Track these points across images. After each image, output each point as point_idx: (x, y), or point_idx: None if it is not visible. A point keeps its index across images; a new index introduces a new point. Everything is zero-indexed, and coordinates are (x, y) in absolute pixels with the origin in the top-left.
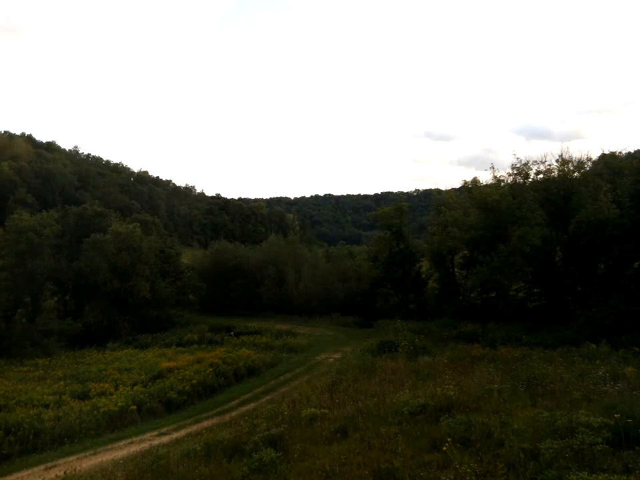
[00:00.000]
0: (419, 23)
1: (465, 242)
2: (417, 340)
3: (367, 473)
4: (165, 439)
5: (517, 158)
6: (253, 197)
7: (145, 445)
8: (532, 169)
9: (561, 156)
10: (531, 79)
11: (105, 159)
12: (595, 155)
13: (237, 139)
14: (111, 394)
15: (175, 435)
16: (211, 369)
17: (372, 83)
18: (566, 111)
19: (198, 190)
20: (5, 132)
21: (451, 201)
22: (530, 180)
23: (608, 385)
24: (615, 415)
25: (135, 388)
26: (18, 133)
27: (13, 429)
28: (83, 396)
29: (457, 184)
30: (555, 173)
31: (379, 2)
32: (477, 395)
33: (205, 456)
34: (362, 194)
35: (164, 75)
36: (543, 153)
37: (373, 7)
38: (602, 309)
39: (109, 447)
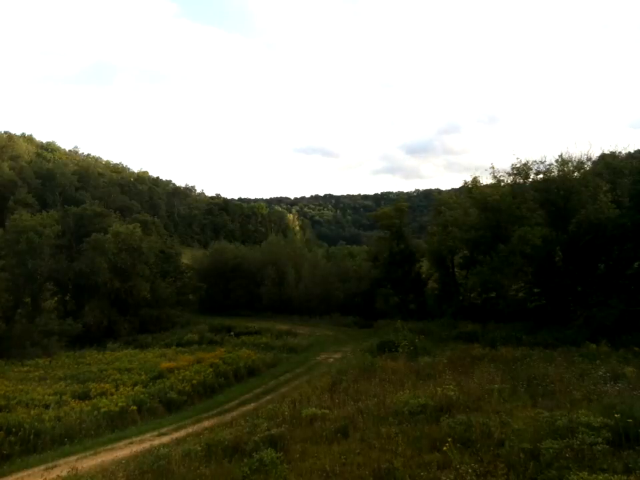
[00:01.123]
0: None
1: (465, 242)
2: (417, 340)
3: (367, 473)
4: (165, 439)
5: (517, 158)
6: (253, 197)
7: (146, 445)
8: (532, 169)
9: (560, 156)
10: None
11: (105, 159)
12: (594, 155)
13: (237, 139)
14: (112, 394)
15: (175, 435)
16: (211, 369)
17: (369, 84)
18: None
19: (198, 190)
20: (5, 132)
21: (450, 201)
22: (530, 180)
23: (608, 385)
24: (615, 415)
25: (135, 388)
26: (18, 133)
27: (13, 429)
28: (84, 396)
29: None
30: (555, 173)
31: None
32: (477, 395)
33: (206, 456)
34: (362, 194)
35: (164, 75)
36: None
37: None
38: (602, 309)
39: (110, 447)
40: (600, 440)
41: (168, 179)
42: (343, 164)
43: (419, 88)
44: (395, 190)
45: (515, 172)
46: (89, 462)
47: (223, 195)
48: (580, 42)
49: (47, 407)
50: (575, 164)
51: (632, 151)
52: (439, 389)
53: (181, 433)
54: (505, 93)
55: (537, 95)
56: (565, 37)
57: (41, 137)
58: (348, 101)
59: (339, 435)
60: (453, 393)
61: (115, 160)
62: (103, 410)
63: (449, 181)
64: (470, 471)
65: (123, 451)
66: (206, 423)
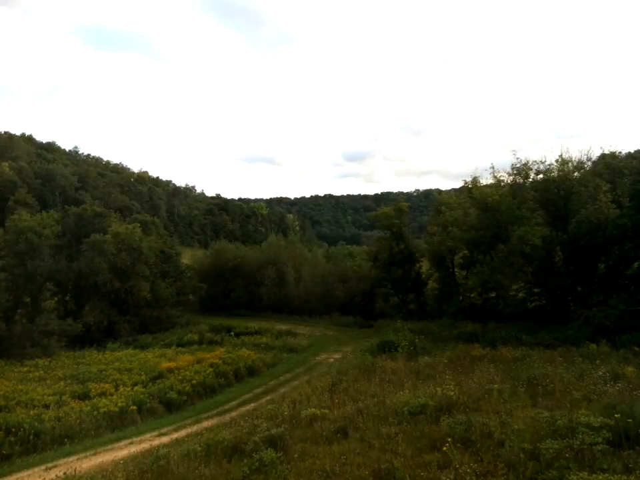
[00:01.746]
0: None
1: (465, 242)
2: (416, 340)
3: (367, 473)
4: (165, 439)
5: (517, 158)
6: (253, 197)
7: (145, 445)
8: (532, 169)
9: (560, 156)
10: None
11: (105, 159)
12: (594, 155)
13: (237, 139)
14: (111, 394)
15: (175, 435)
16: (211, 369)
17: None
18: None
19: (198, 190)
20: (5, 132)
21: (450, 201)
22: (530, 180)
23: (608, 385)
24: (615, 415)
25: (135, 388)
26: (18, 133)
27: (13, 430)
28: (83, 396)
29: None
30: (555, 173)
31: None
32: (477, 395)
33: (205, 456)
34: (362, 194)
35: (163, 75)
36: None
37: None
38: (602, 309)
39: (109, 447)
40: (600, 440)
41: (168, 179)
42: (287, 170)
43: (351, 99)
44: (394, 190)
45: (515, 172)
46: (89, 462)
47: (223, 195)
48: (501, 52)
49: (46, 407)
50: (574, 164)
51: (632, 151)
52: (438, 388)
53: (181, 433)
54: (429, 104)
55: (460, 107)
56: (486, 49)
57: (41, 137)
58: (294, 111)
59: (338, 435)
60: (452, 393)
61: (115, 160)
62: (102, 410)
63: (402, 184)
64: (470, 471)
65: (122, 451)
66: (206, 423)
